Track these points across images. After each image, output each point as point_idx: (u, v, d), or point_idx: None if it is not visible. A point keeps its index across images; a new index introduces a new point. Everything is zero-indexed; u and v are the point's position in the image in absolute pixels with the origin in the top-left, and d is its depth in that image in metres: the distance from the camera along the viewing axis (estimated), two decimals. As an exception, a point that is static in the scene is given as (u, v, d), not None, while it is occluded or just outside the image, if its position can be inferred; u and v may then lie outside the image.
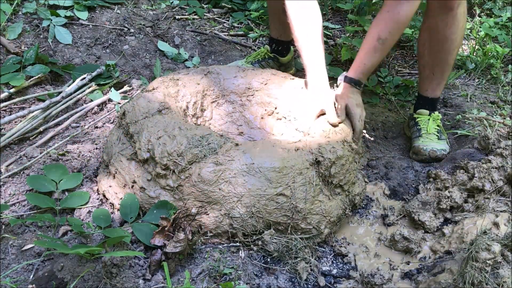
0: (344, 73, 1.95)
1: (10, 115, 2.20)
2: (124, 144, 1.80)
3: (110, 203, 1.78)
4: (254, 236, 1.65)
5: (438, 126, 2.23)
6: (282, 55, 2.60)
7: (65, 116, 2.24)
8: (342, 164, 1.70)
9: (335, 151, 1.69)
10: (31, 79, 2.36)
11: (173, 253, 1.54)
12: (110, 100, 2.36)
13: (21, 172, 1.89)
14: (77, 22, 2.84)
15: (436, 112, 2.26)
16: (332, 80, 2.61)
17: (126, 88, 2.45)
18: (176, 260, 1.58)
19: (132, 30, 2.91)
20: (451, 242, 1.70)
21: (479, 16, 3.46)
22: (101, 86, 2.47)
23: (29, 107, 2.25)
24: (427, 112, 2.25)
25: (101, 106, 2.35)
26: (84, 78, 2.42)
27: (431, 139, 2.18)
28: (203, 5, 3.28)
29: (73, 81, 2.42)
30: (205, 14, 3.19)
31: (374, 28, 1.88)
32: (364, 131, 2.31)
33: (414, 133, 2.24)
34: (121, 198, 1.73)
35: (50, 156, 1.97)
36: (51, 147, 2.04)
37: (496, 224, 1.66)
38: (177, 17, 3.12)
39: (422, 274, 1.63)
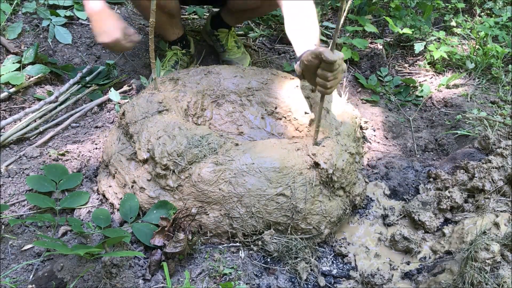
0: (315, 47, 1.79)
1: (10, 114, 2.20)
2: (124, 144, 1.80)
3: (110, 203, 1.78)
4: (254, 236, 1.65)
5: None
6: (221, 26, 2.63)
7: (65, 116, 2.24)
8: (343, 168, 1.70)
9: (335, 162, 1.68)
10: (31, 79, 2.35)
11: (173, 253, 1.54)
12: (110, 100, 2.35)
13: (21, 172, 1.89)
14: (77, 22, 2.83)
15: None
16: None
17: (126, 88, 2.45)
18: (176, 260, 1.58)
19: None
20: (451, 242, 1.70)
21: (479, 16, 3.45)
22: (101, 86, 2.47)
23: (29, 107, 2.25)
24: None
25: (101, 106, 2.35)
26: (84, 78, 2.43)
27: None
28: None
29: (73, 82, 2.43)
30: (205, 14, 3.19)
31: None
32: (364, 131, 2.32)
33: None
34: (121, 198, 1.73)
35: (50, 156, 1.97)
36: (51, 147, 2.04)
37: (496, 224, 1.66)
38: (177, 17, 3.12)
39: (422, 274, 1.63)
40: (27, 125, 2.12)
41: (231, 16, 2.54)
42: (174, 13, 2.32)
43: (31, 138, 2.11)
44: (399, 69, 2.91)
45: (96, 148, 2.06)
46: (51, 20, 2.71)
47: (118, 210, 1.72)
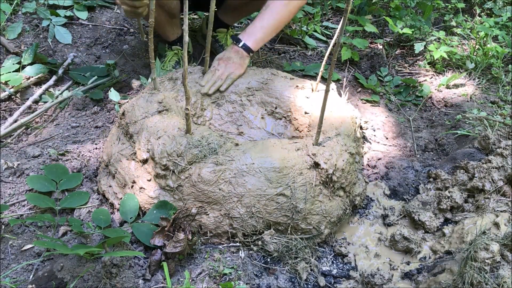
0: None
1: (10, 115, 2.20)
2: (124, 144, 1.80)
3: (110, 203, 1.78)
4: (254, 236, 1.65)
5: None
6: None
7: (65, 116, 2.24)
8: (343, 168, 1.70)
9: (335, 162, 1.68)
10: (31, 79, 2.35)
11: (173, 253, 1.54)
12: (110, 100, 2.35)
13: (21, 172, 1.89)
14: (77, 22, 2.83)
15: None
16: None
17: (126, 88, 2.45)
18: (176, 260, 1.58)
19: (131, 30, 2.90)
20: (451, 242, 1.70)
21: (479, 16, 3.45)
22: (101, 86, 2.46)
23: (28, 107, 2.25)
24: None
25: (101, 106, 2.35)
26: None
27: None
28: (203, 5, 3.28)
29: (73, 82, 2.43)
30: (204, 14, 3.19)
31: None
32: (364, 131, 2.32)
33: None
34: (121, 198, 1.73)
35: (50, 156, 1.97)
36: (51, 147, 2.04)
37: (496, 224, 1.66)
38: (177, 17, 3.11)
39: (422, 274, 1.63)
40: (27, 125, 2.12)
41: (229, 14, 2.54)
42: (175, 13, 2.32)
43: (30, 138, 2.11)
44: (399, 69, 2.91)
45: (96, 148, 2.06)
46: (51, 20, 2.71)
47: (118, 210, 1.72)
